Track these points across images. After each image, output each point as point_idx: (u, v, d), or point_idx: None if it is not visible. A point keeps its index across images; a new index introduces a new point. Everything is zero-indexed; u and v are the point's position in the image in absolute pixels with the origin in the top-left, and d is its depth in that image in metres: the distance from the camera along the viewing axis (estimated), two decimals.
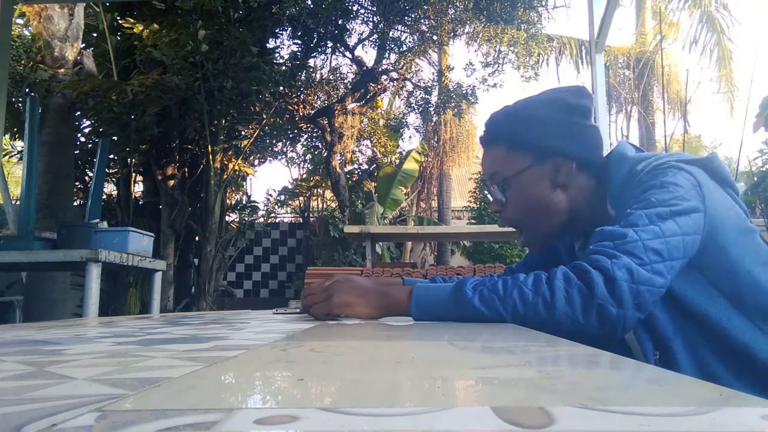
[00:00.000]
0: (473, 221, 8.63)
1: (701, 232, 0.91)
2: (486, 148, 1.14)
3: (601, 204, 1.06)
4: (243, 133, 6.72)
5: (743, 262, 0.92)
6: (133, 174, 5.99)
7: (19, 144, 6.74)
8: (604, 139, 1.26)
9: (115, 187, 6.29)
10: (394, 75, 7.73)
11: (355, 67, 7.69)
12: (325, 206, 10.04)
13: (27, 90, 5.36)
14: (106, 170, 5.40)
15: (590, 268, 0.83)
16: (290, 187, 10.00)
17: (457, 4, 6.91)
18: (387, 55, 7.32)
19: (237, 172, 6.42)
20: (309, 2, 6.29)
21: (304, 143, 9.23)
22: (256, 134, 6.60)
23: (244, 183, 7.81)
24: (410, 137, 16.33)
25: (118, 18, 5.95)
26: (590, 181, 1.08)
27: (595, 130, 1.08)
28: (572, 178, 1.06)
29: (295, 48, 6.94)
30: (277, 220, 10.03)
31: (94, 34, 6.27)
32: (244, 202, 7.50)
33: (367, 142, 10.04)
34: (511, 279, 0.88)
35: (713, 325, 0.91)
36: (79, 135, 6.06)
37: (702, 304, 0.91)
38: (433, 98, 7.56)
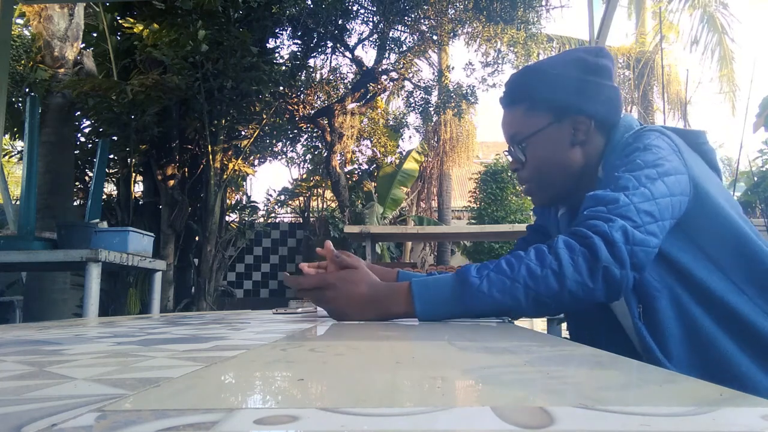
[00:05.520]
0: (473, 221, 8.63)
1: (687, 194, 0.93)
2: (506, 108, 1.14)
3: (596, 167, 1.08)
4: (243, 133, 6.72)
5: (743, 228, 0.93)
6: (133, 174, 5.98)
7: (19, 144, 6.74)
8: None
9: (115, 187, 6.29)
10: (393, 75, 7.73)
11: (355, 67, 7.69)
12: (325, 206, 10.04)
13: (27, 90, 5.35)
14: (106, 170, 5.40)
15: (590, 233, 0.84)
16: (290, 187, 10.00)
17: (457, 4, 6.91)
18: (387, 55, 7.32)
19: (237, 172, 6.41)
20: (309, 2, 6.29)
21: (304, 143, 9.24)
22: (256, 134, 6.60)
23: (244, 183, 7.81)
24: (410, 137, 16.32)
25: (118, 18, 5.95)
26: (604, 141, 1.08)
27: (613, 90, 1.07)
28: (590, 136, 1.07)
29: (295, 48, 6.95)
30: (277, 220, 10.02)
31: (94, 34, 6.27)
32: (244, 202, 7.50)
33: (367, 142, 10.04)
34: (513, 257, 0.85)
35: (698, 282, 0.92)
36: (79, 135, 6.06)
37: (686, 261, 0.92)
38: (433, 98, 7.56)
